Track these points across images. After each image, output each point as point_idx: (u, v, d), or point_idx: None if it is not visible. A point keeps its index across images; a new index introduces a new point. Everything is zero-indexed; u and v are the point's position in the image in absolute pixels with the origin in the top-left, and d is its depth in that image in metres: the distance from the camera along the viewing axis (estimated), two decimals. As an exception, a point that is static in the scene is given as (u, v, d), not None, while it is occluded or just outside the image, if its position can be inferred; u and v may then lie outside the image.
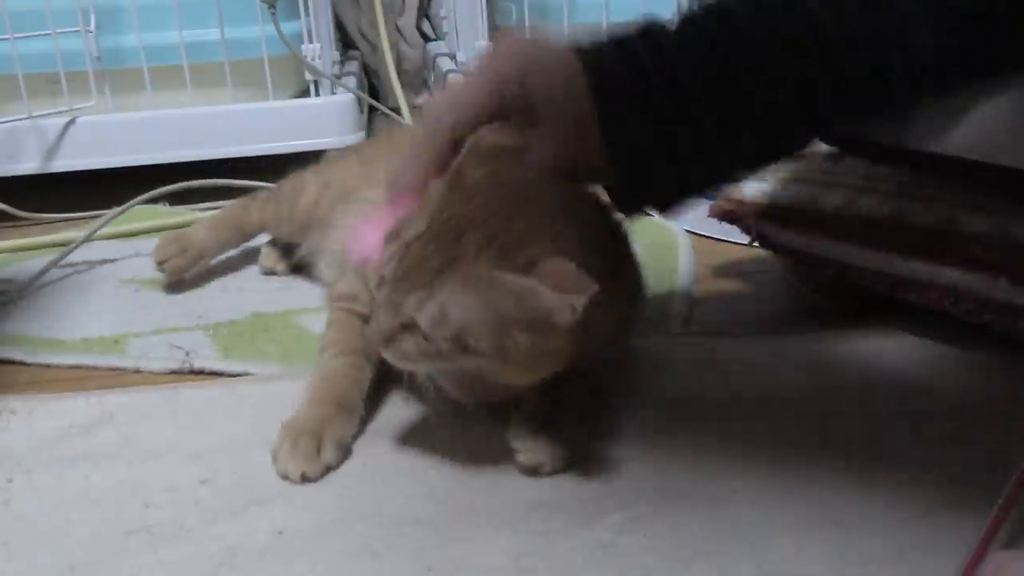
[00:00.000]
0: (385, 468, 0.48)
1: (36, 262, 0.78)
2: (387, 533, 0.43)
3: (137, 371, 0.61)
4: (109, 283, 0.77)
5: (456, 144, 0.47)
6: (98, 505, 0.46)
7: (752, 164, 0.52)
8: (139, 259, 0.81)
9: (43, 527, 0.44)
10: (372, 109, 1.20)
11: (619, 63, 0.47)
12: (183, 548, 0.42)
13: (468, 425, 0.51)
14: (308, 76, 1.07)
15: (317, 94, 1.07)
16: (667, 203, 0.51)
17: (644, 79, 0.47)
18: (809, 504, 0.43)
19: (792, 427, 0.50)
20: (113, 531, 0.44)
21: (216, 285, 0.75)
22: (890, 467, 0.46)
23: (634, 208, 0.51)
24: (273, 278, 0.77)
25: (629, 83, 0.47)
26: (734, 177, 0.56)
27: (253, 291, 0.74)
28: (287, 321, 0.68)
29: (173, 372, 0.61)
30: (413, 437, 0.50)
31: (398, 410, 0.54)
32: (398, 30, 1.59)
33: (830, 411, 0.51)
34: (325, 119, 1.04)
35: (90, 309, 0.71)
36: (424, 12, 1.63)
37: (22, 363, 0.63)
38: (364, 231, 0.49)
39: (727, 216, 0.70)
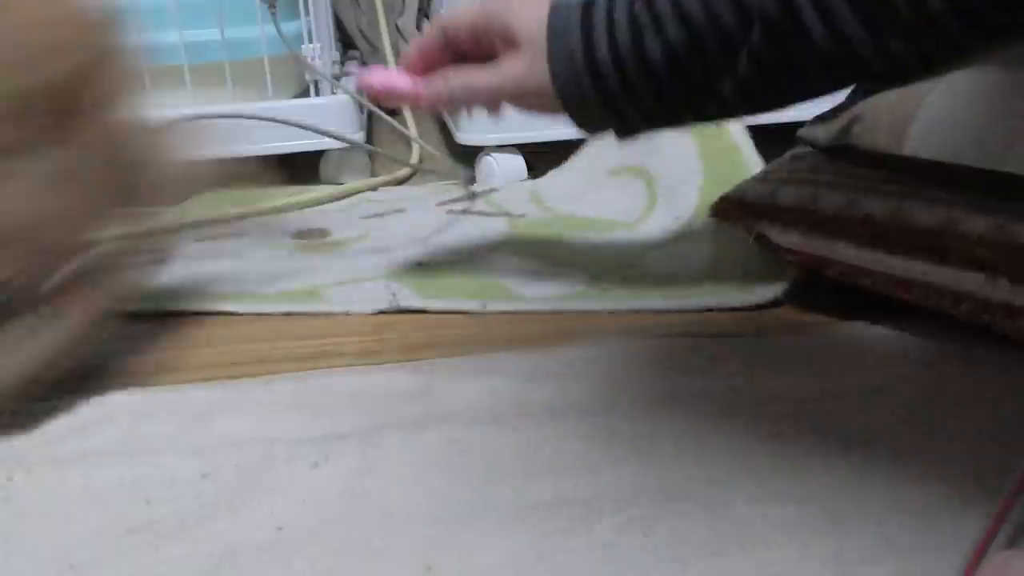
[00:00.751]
0: (385, 464, 0.48)
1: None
2: (387, 530, 0.43)
3: (347, 314, 0.66)
4: (258, 250, 0.81)
5: (447, 39, 0.57)
6: (99, 502, 0.46)
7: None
8: (271, 228, 0.86)
9: (44, 524, 0.44)
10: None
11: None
12: (184, 545, 0.42)
13: (469, 423, 0.51)
14: (308, 76, 1.07)
15: (317, 94, 1.07)
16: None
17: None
18: (809, 504, 0.43)
19: (792, 427, 0.50)
20: (114, 528, 0.44)
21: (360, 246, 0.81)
22: (890, 467, 0.46)
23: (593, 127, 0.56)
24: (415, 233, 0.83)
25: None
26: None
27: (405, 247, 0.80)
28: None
29: (381, 312, 0.66)
30: (413, 433, 0.50)
31: (398, 406, 0.54)
32: (398, 30, 1.59)
33: (830, 411, 0.51)
34: (325, 119, 1.04)
35: (262, 268, 0.75)
36: (424, 12, 1.63)
37: (235, 314, 0.67)
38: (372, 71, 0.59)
39: (727, 216, 0.70)
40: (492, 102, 0.58)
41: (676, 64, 0.50)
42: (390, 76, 0.59)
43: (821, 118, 0.66)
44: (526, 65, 0.54)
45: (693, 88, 0.52)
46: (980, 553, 0.37)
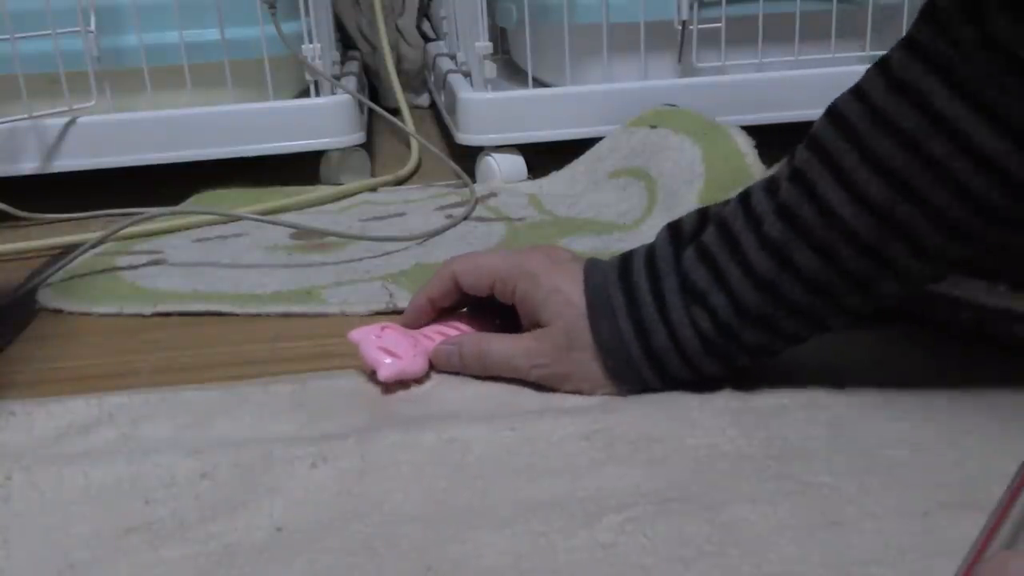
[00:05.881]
0: (384, 465, 0.48)
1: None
2: (386, 531, 0.43)
3: (344, 315, 0.68)
4: (257, 251, 0.82)
5: (459, 289, 0.57)
6: (98, 502, 0.46)
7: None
8: (270, 228, 0.86)
9: (43, 524, 0.44)
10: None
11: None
12: (183, 546, 0.42)
13: (468, 423, 0.51)
14: (308, 76, 1.07)
15: (317, 94, 1.07)
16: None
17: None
18: (809, 505, 0.43)
19: (791, 428, 0.50)
20: (113, 528, 0.44)
21: (358, 247, 0.82)
22: (889, 468, 0.46)
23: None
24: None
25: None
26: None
27: (404, 249, 0.82)
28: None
29: (377, 314, 0.67)
30: (412, 433, 0.50)
31: (397, 406, 0.54)
32: (398, 30, 1.59)
33: (829, 412, 0.51)
34: (325, 119, 1.04)
35: (260, 271, 0.75)
36: (424, 12, 1.63)
37: (233, 314, 0.69)
38: (366, 344, 0.56)
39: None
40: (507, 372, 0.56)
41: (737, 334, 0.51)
42: (399, 365, 0.55)
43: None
44: (562, 357, 0.53)
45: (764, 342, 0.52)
46: (979, 553, 0.37)
